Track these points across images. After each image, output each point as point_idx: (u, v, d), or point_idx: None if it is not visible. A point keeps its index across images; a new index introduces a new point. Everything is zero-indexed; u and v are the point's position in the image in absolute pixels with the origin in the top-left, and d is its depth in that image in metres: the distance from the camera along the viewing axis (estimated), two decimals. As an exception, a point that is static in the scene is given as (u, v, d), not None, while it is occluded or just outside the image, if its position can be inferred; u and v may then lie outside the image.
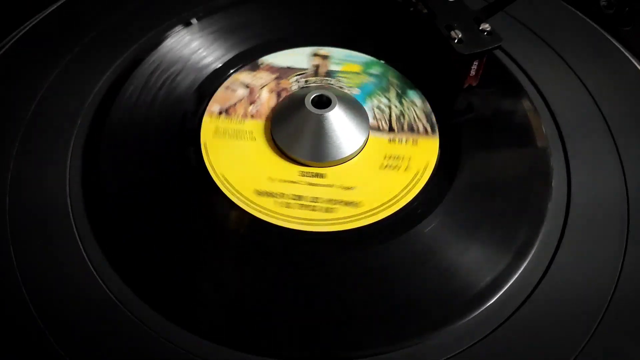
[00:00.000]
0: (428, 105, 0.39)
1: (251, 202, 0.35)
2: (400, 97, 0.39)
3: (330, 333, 0.31)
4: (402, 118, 0.38)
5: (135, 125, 0.38)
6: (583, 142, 0.38)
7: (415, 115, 0.38)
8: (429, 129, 0.38)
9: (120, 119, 0.38)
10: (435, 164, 0.37)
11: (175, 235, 0.34)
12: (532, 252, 0.33)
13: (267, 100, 0.40)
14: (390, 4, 0.44)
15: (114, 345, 0.30)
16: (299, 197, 0.35)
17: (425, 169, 0.36)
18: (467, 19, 0.39)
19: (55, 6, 0.45)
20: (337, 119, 0.37)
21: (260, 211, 0.34)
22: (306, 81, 0.41)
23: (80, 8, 0.45)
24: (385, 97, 0.39)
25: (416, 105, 0.39)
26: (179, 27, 0.44)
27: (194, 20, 0.44)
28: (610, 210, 0.35)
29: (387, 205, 0.35)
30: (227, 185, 0.35)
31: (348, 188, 0.35)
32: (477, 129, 0.39)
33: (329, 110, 0.37)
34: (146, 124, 0.38)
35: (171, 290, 0.32)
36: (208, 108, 0.39)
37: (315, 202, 0.35)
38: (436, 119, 0.39)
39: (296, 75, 0.41)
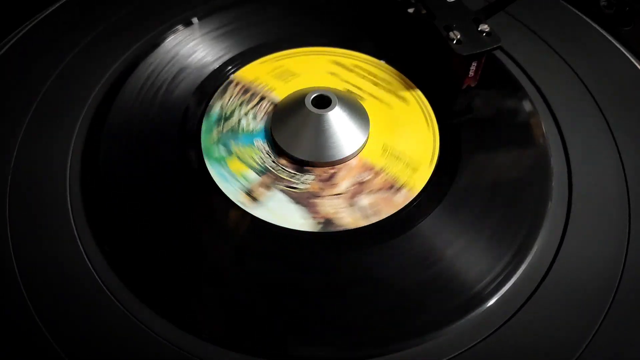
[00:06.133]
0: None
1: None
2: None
3: (330, 333, 0.31)
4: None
5: (135, 125, 0.38)
6: (583, 141, 0.38)
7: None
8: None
9: (120, 119, 0.38)
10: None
11: (175, 236, 0.34)
12: (533, 252, 0.33)
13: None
14: (390, 4, 0.44)
15: (112, 344, 0.30)
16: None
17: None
18: (466, 19, 0.39)
19: (56, 6, 0.45)
20: (337, 119, 0.37)
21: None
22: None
23: (80, 8, 0.45)
24: None
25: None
26: (179, 27, 0.44)
27: (194, 20, 0.44)
28: (611, 210, 0.35)
29: None
30: None
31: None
32: (477, 129, 0.39)
33: (329, 110, 0.37)
34: (146, 124, 0.38)
35: (170, 289, 0.32)
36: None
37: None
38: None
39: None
